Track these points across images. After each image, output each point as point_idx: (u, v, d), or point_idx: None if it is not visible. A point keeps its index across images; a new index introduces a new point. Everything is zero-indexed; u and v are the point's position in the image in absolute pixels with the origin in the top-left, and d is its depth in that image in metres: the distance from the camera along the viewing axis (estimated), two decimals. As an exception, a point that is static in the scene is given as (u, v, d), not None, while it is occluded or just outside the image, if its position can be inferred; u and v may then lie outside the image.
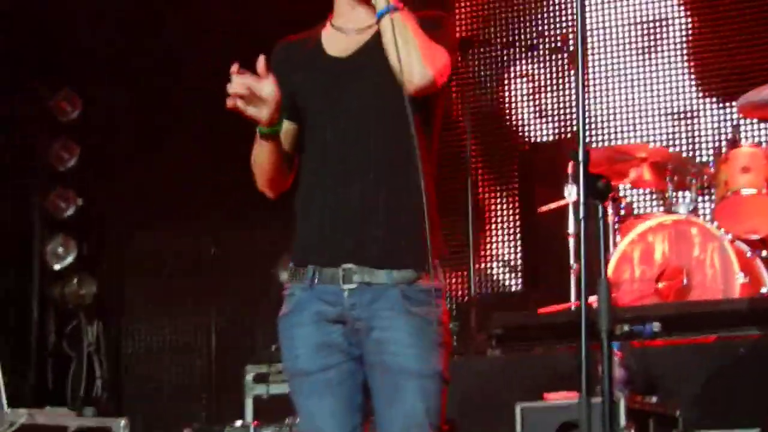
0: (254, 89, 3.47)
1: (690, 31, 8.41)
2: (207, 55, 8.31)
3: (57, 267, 8.88)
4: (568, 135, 8.57)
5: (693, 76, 8.36)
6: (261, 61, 3.49)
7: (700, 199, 6.93)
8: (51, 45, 8.97)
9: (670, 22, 8.47)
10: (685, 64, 8.38)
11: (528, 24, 8.89)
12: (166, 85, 8.83)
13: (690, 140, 8.29)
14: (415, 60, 3.47)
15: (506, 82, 8.90)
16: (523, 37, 8.87)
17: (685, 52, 8.40)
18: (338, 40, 3.68)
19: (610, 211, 6.70)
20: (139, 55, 8.91)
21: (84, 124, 9.02)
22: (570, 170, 6.71)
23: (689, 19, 8.42)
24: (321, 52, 3.73)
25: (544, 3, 8.83)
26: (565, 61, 8.36)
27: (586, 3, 3.36)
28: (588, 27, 8.32)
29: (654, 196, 8.01)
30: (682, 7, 8.44)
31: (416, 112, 3.53)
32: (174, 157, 8.72)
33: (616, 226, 6.94)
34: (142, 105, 8.93)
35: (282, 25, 4.07)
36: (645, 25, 8.53)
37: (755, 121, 7.76)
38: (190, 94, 8.64)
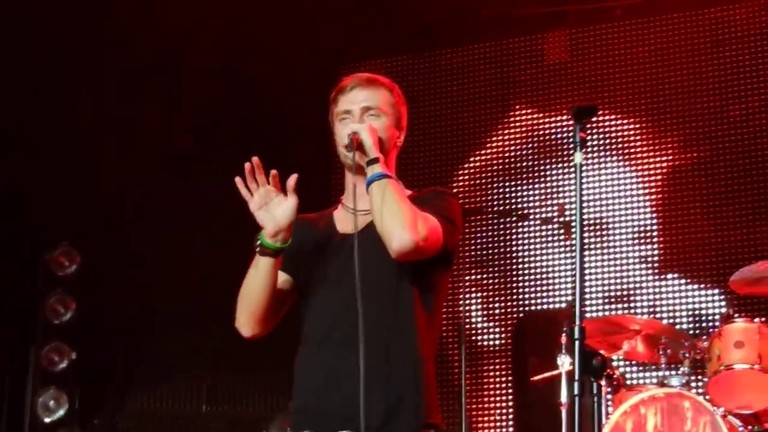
0: (267, 197, 3.60)
1: (684, 207, 8.53)
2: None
3: (47, 420, 8.80)
4: (562, 304, 8.59)
5: (687, 251, 8.45)
6: (292, 180, 3.63)
7: (692, 372, 6.93)
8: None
9: (662, 197, 8.60)
10: (679, 239, 8.48)
11: (522, 193, 9.01)
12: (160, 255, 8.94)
13: (683, 314, 8.34)
14: (396, 224, 3.56)
15: (499, 250, 8.98)
16: (517, 205, 8.98)
17: (679, 227, 8.51)
18: (348, 219, 3.82)
19: (603, 384, 6.70)
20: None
21: (80, 280, 9.05)
22: (563, 340, 6.72)
23: (683, 194, 8.54)
24: (332, 228, 3.87)
25: (540, 173, 8.96)
26: (560, 230, 8.43)
27: (583, 176, 3.46)
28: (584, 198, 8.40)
29: (646, 368, 8.01)
30: (674, 184, 8.57)
31: (415, 282, 3.61)
32: (169, 315, 8.75)
33: (608, 397, 6.92)
34: (133, 262, 9.00)
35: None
36: (638, 199, 8.65)
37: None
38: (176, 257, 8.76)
